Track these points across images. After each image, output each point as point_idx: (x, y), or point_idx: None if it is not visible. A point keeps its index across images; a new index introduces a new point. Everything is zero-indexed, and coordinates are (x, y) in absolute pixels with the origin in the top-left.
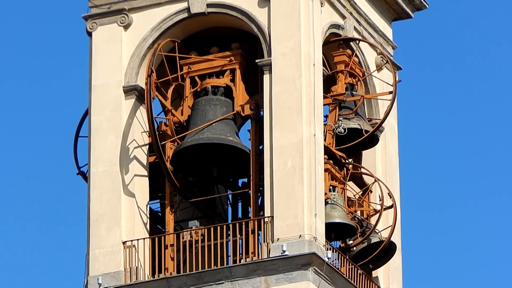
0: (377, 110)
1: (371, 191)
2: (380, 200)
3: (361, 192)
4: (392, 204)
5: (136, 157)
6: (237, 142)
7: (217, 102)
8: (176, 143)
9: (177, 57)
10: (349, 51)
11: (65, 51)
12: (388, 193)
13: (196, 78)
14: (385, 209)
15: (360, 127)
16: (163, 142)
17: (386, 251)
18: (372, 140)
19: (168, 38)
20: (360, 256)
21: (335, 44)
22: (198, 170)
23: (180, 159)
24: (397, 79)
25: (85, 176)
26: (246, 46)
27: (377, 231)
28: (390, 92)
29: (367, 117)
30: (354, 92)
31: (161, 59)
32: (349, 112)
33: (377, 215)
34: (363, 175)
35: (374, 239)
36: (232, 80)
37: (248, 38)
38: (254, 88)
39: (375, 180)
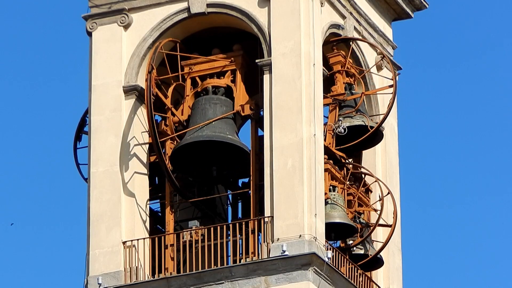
0: (377, 109)
1: (371, 191)
2: (380, 200)
3: (361, 192)
4: (391, 224)
5: (136, 157)
6: (237, 141)
7: (217, 101)
8: (175, 142)
9: (179, 56)
10: (343, 52)
11: (65, 51)
12: (393, 208)
13: (197, 78)
14: (379, 225)
15: (364, 124)
16: (162, 139)
17: (372, 263)
18: (376, 136)
19: (169, 38)
20: (359, 256)
21: (329, 46)
22: (198, 169)
23: (179, 158)
24: (396, 72)
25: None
26: (246, 46)
27: (371, 242)
28: (390, 86)
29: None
30: (353, 91)
31: (162, 58)
32: (351, 110)
33: (377, 215)
34: (363, 175)
35: (366, 249)
36: (233, 81)
37: (248, 38)
38: (254, 88)
39: (375, 180)
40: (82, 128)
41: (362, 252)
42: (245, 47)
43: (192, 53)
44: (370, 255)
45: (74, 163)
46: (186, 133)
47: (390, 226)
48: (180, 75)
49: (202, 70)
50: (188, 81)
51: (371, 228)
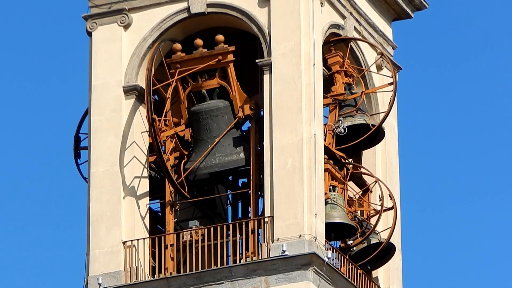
0: (377, 109)
1: (371, 191)
2: (380, 200)
3: (361, 192)
4: (392, 206)
5: (136, 157)
6: (247, 159)
7: (218, 113)
8: (175, 142)
9: (165, 64)
10: (341, 52)
11: (65, 51)
12: (388, 194)
13: (187, 77)
14: (385, 210)
15: (366, 122)
16: (161, 139)
17: (385, 252)
18: (377, 135)
19: (156, 54)
20: (359, 256)
21: (327, 47)
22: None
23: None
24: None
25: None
26: (246, 46)
27: (376, 232)
28: (390, 84)
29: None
30: (353, 91)
31: (159, 60)
32: (352, 109)
33: (377, 215)
34: (363, 175)
35: (374, 240)
36: (225, 77)
37: (248, 38)
38: (254, 88)
39: (375, 180)
40: (79, 144)
41: (363, 122)
42: (241, 45)
43: (175, 44)
44: (382, 242)
45: (80, 175)
46: (197, 157)
47: (391, 208)
48: (172, 89)
49: (190, 68)
50: (178, 82)
51: (371, 229)
